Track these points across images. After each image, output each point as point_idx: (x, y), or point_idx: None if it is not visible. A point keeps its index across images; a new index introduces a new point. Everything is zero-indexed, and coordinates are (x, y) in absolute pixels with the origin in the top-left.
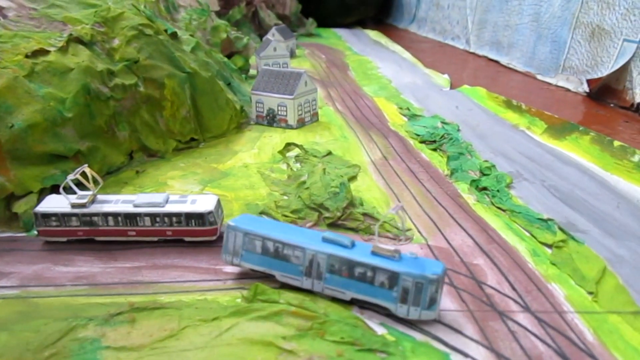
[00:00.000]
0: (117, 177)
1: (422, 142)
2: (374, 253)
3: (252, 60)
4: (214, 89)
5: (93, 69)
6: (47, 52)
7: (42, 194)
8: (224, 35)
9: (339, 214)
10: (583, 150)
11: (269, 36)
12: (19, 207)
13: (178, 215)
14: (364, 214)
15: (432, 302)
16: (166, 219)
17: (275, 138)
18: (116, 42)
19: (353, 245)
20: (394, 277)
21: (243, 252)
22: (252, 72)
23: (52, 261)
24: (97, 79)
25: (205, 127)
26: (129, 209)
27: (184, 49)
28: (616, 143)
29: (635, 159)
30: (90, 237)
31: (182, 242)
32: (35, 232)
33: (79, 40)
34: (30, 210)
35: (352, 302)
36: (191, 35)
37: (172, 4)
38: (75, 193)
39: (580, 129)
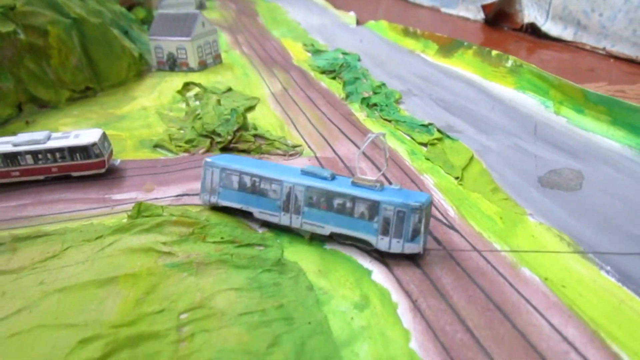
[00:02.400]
0: (4, 129)
1: (322, 72)
2: (354, 184)
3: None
4: (107, 37)
5: None
6: None
7: None
8: None
9: (230, 137)
10: (467, 64)
11: None
12: None
13: (61, 150)
14: (255, 136)
15: (416, 234)
16: (49, 156)
17: (176, 82)
18: None
19: (333, 177)
20: (374, 207)
21: (220, 189)
22: None
23: None
24: None
25: (102, 75)
26: (9, 148)
27: None
28: (494, 52)
29: (509, 64)
30: None
31: (71, 178)
32: None
33: None
34: None
35: (331, 237)
36: None
37: None
38: None
39: (465, 44)
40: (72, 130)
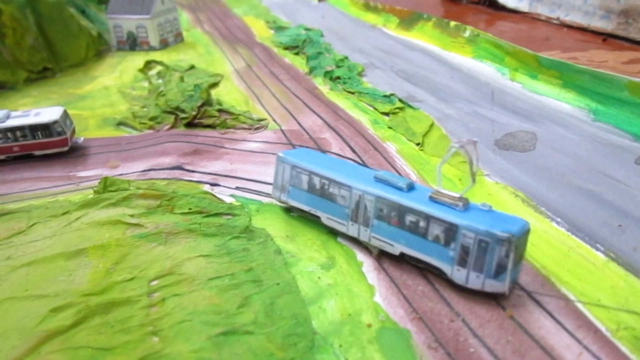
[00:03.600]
0: None
1: (285, 48)
2: (433, 199)
3: None
4: (64, 16)
5: None
6: None
7: None
8: None
9: (194, 113)
10: (427, 36)
11: None
12: None
13: (22, 128)
14: (220, 111)
15: (501, 270)
16: (10, 135)
17: (137, 61)
18: None
19: (410, 188)
20: (451, 231)
21: (290, 187)
22: None
23: None
24: None
25: (60, 55)
26: None
27: None
28: (452, 23)
29: (467, 34)
30: None
31: (33, 157)
32: None
33: None
34: None
35: (402, 258)
36: None
37: None
38: None
39: (425, 16)
40: (32, 109)
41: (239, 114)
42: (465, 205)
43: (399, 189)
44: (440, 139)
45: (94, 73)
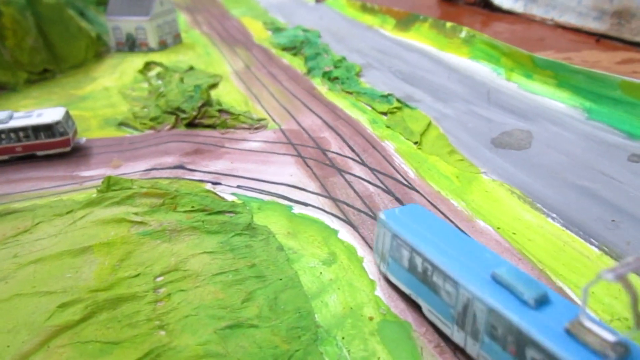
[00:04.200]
0: None
1: (283, 49)
2: (571, 334)
3: None
4: (63, 17)
5: None
6: None
7: None
8: None
9: (194, 113)
10: (423, 37)
11: None
12: None
13: (25, 129)
14: (220, 111)
15: None
16: (13, 135)
17: (137, 62)
18: None
19: (539, 303)
20: None
21: (390, 259)
22: None
23: None
24: None
25: (60, 57)
26: None
27: None
28: (448, 24)
29: (463, 35)
30: None
31: (36, 157)
32: None
33: None
34: None
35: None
36: None
37: None
38: None
39: (421, 17)
40: (35, 110)
41: (239, 114)
42: (623, 355)
43: (524, 302)
44: (438, 138)
45: (93, 74)
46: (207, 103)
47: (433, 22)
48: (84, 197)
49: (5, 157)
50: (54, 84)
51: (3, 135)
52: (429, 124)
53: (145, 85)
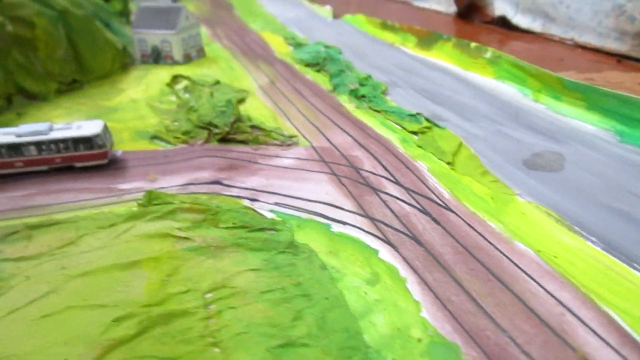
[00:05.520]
0: None
1: (306, 65)
2: None
3: (134, 6)
4: (92, 29)
5: None
6: None
7: None
8: None
9: (227, 129)
10: (447, 55)
11: None
12: None
13: (65, 141)
14: (252, 127)
15: None
16: (53, 146)
17: (162, 74)
18: None
19: None
20: None
21: None
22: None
23: None
24: None
25: (87, 68)
26: (12, 139)
27: None
28: (472, 44)
29: (487, 55)
30: None
31: (73, 169)
32: None
33: None
34: None
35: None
36: None
37: None
38: None
39: (444, 36)
40: (74, 121)
41: (271, 130)
42: None
43: None
44: (470, 158)
45: (120, 85)
46: (239, 119)
47: (457, 41)
48: (124, 210)
49: (44, 168)
50: (82, 95)
51: (43, 147)
52: (460, 144)
53: (173, 98)
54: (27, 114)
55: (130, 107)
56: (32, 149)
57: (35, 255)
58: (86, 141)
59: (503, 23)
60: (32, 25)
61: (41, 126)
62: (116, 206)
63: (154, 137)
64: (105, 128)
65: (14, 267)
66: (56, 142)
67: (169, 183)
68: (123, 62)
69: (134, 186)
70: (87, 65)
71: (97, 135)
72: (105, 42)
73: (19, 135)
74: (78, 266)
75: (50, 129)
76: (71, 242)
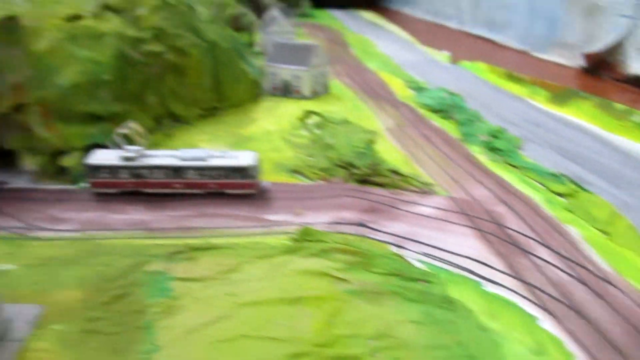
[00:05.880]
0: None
1: (432, 111)
2: None
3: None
4: (232, 60)
5: (124, 35)
6: (82, 17)
7: (84, 151)
8: (232, 11)
9: (367, 170)
10: (586, 114)
11: (273, 13)
12: (67, 161)
13: (222, 169)
14: (390, 171)
15: None
16: (210, 172)
17: (291, 107)
18: (142, 11)
19: None
20: None
21: None
22: (256, 48)
23: (105, 209)
24: (129, 44)
25: (225, 96)
26: (176, 162)
27: (203, 21)
28: (618, 106)
29: (637, 119)
30: (138, 189)
31: (223, 195)
32: (84, 185)
33: (109, 8)
34: (77, 164)
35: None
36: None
37: None
38: (121, 147)
39: (581, 94)
40: (228, 151)
41: (409, 176)
42: None
43: None
44: (628, 229)
45: (253, 115)
46: (378, 162)
47: (599, 101)
48: (276, 241)
49: (199, 191)
50: (220, 121)
51: (202, 172)
52: (614, 213)
53: (305, 132)
54: (175, 135)
55: (265, 138)
56: (192, 172)
57: (201, 277)
58: (241, 171)
59: (636, 81)
60: (186, 54)
61: (201, 152)
62: (267, 237)
63: (294, 172)
64: (257, 160)
65: (183, 286)
66: (214, 169)
67: (314, 219)
68: (254, 92)
69: (281, 218)
70: (225, 93)
71: (251, 167)
72: (242, 73)
73: (182, 159)
74: (244, 294)
75: (209, 156)
76: (232, 269)
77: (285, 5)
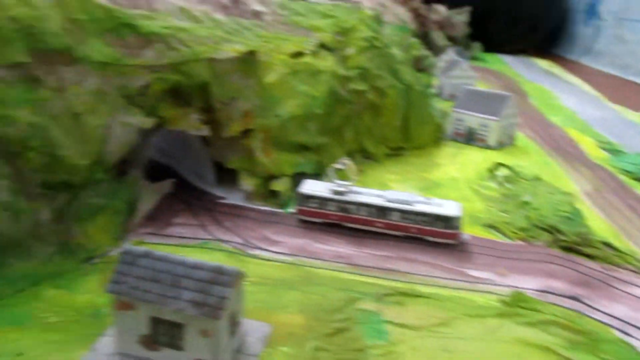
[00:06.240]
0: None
1: (634, 179)
2: None
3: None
4: (423, 103)
5: (336, 73)
6: (303, 54)
7: (292, 178)
8: (416, 53)
9: (576, 238)
10: None
11: (452, 56)
12: (277, 186)
13: (427, 215)
14: (604, 243)
15: None
16: (414, 217)
17: (475, 156)
18: (349, 51)
19: None
20: None
21: None
22: (434, 90)
23: (311, 238)
24: (338, 82)
25: (411, 137)
26: (382, 202)
27: (399, 62)
28: None
29: None
30: (342, 222)
31: (422, 240)
32: (291, 210)
33: (324, 47)
34: (286, 190)
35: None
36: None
37: (379, 20)
38: (332, 181)
39: None
40: (433, 198)
41: (624, 252)
42: None
43: None
44: None
45: (436, 159)
46: (587, 230)
47: None
48: (483, 301)
49: (398, 234)
50: (404, 162)
51: (407, 215)
52: None
53: (493, 184)
54: (365, 172)
55: (452, 185)
56: (396, 214)
57: (414, 326)
58: (445, 220)
59: None
60: (384, 95)
61: (406, 196)
62: (473, 294)
63: (490, 226)
64: (461, 211)
65: (398, 332)
66: (418, 214)
67: (520, 283)
68: (437, 136)
69: (484, 276)
70: (411, 135)
71: (456, 217)
72: (429, 116)
73: (388, 200)
74: (461, 354)
75: (414, 201)
76: (443, 323)
77: (460, 48)
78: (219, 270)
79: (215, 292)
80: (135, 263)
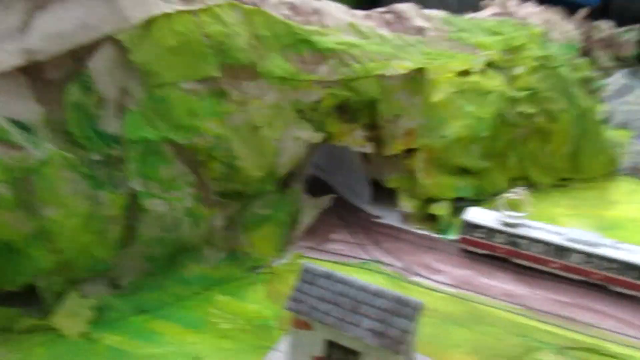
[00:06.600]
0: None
1: None
2: None
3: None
4: (598, 132)
5: (506, 95)
6: (469, 73)
7: (451, 202)
8: (585, 75)
9: None
10: None
11: (622, 80)
12: (437, 210)
13: (615, 261)
14: None
15: None
16: (598, 261)
17: None
18: (518, 71)
19: None
20: None
21: None
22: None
23: (475, 270)
24: (506, 103)
25: (580, 168)
26: (561, 241)
27: (574, 84)
28: None
29: None
30: (509, 257)
31: (604, 289)
32: (451, 237)
33: (492, 65)
34: (446, 214)
35: None
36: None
37: (547, 37)
38: (501, 211)
39: None
40: (624, 243)
41: None
42: None
43: None
44: None
45: (608, 196)
46: None
47: None
48: None
49: (575, 277)
50: (574, 196)
51: (592, 260)
52: None
53: None
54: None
55: (634, 228)
56: (576, 256)
57: None
58: (634, 269)
59: None
60: (555, 119)
61: (590, 237)
62: None
63: None
64: None
65: None
66: (604, 259)
67: None
68: (610, 169)
69: None
70: (582, 165)
71: None
72: (602, 146)
73: (568, 239)
74: None
75: (599, 243)
76: None
77: (632, 70)
78: (399, 301)
79: (396, 324)
80: (315, 282)
